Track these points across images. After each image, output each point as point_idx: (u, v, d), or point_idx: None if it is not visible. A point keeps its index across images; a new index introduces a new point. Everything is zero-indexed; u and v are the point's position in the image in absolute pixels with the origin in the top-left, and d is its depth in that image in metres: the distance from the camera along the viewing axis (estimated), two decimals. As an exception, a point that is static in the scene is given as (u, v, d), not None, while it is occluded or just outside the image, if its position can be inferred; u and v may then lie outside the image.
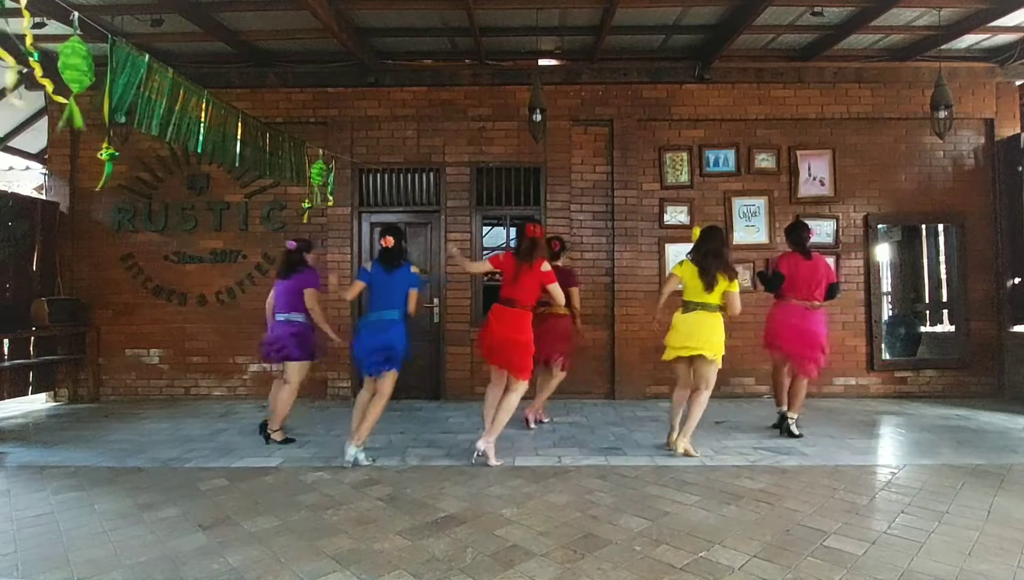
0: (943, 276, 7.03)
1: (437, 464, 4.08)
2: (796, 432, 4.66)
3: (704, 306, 4.16)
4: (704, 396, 4.19)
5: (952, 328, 6.74)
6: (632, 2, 5.31)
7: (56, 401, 6.52)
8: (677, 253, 6.45)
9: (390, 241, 4.15)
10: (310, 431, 5.02)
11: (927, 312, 7.43)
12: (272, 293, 4.75)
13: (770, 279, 4.89)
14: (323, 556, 2.70)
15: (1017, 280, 6.28)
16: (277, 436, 4.60)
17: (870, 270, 6.48)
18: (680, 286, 4.30)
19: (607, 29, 5.68)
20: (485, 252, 6.73)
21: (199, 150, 3.65)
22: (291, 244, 4.76)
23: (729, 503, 3.31)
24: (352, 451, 4.02)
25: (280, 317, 4.60)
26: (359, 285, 4.26)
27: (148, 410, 5.96)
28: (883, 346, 6.51)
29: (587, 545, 2.79)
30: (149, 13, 5.35)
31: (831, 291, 4.79)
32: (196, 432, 5.04)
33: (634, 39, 6.23)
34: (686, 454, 4.15)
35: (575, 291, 5.01)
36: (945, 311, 7.03)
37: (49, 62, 2.62)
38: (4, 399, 5.98)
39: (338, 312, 6.35)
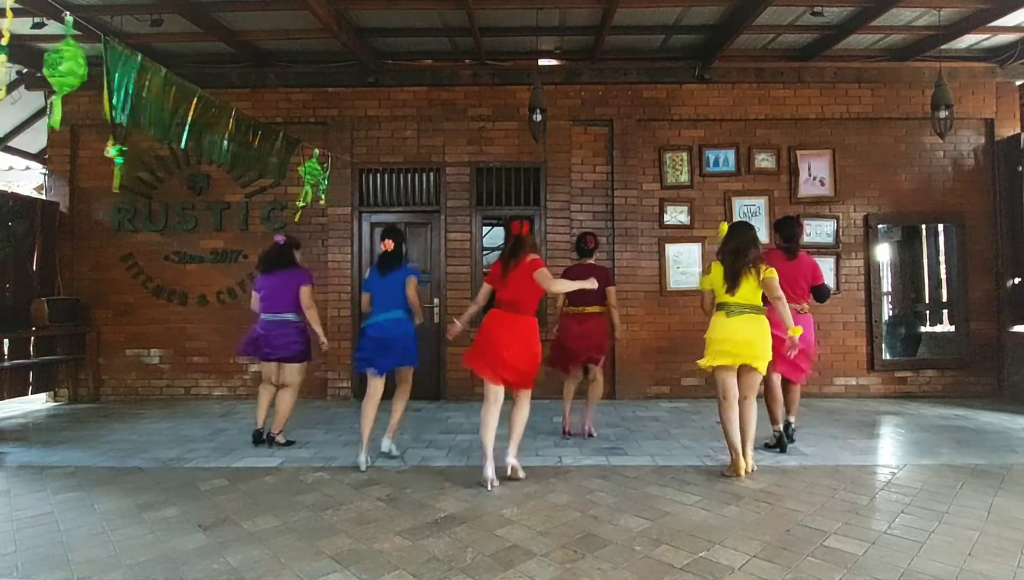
0: (943, 276, 7.02)
1: (437, 464, 4.08)
2: (793, 437, 4.44)
3: (745, 308, 3.74)
4: (755, 405, 3.84)
5: (952, 328, 6.73)
6: (632, 2, 5.31)
7: (56, 401, 6.52)
8: (677, 253, 6.48)
9: (390, 245, 4.13)
10: (310, 431, 5.01)
11: (927, 312, 7.42)
12: (256, 291, 4.58)
13: None
14: (323, 556, 2.70)
15: (1017, 280, 6.28)
16: (281, 439, 4.53)
17: (870, 270, 6.48)
18: (711, 293, 3.92)
19: (607, 29, 5.68)
20: (485, 252, 6.73)
21: (183, 146, 3.67)
22: (280, 239, 4.65)
23: (729, 503, 3.31)
24: (386, 442, 4.20)
25: (268, 317, 4.47)
26: (367, 296, 4.21)
27: (148, 410, 5.96)
28: (883, 346, 6.51)
29: (587, 545, 2.79)
30: (149, 13, 5.35)
31: (817, 294, 4.41)
32: (196, 432, 5.04)
33: (634, 39, 6.23)
34: (750, 472, 3.78)
35: (612, 290, 4.79)
36: (945, 311, 7.03)
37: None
38: (4, 399, 5.98)
39: (338, 312, 6.36)
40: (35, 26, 5.03)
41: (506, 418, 3.70)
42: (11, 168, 8.85)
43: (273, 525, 3.06)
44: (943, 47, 6.08)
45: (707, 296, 3.97)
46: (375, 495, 3.47)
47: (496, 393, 3.66)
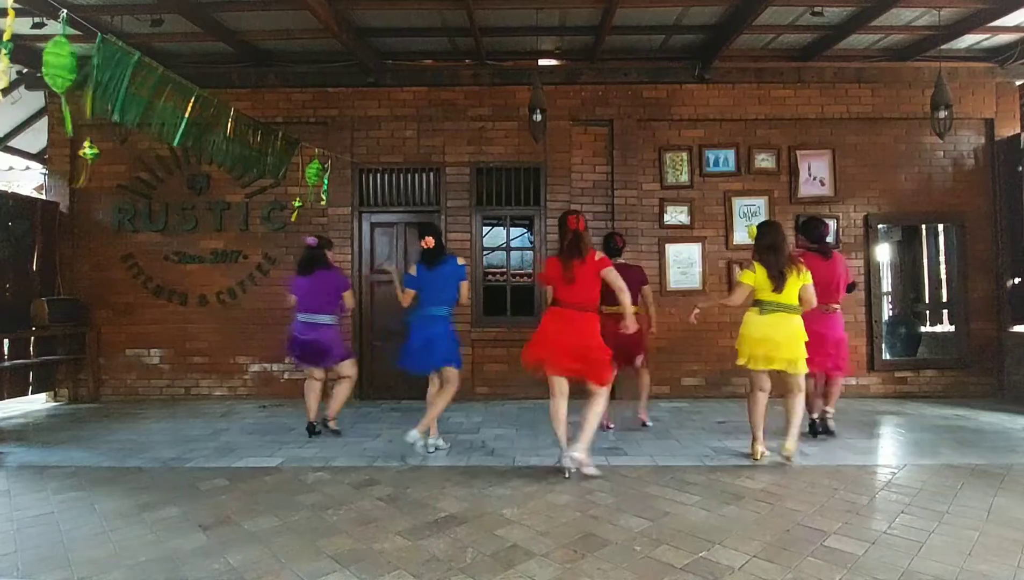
0: (943, 276, 7.03)
1: (437, 464, 4.08)
2: (832, 428, 4.63)
3: (782, 307, 3.87)
4: (801, 399, 3.97)
5: (952, 328, 6.73)
6: (632, 2, 5.31)
7: (56, 401, 6.52)
8: (677, 253, 6.48)
9: (431, 242, 4.27)
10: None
11: (927, 312, 7.43)
12: (292, 293, 4.79)
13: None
14: (323, 556, 2.70)
15: (1017, 280, 6.28)
16: (333, 424, 4.82)
17: (870, 270, 6.47)
18: (750, 292, 3.98)
19: (607, 29, 5.68)
20: (485, 252, 6.73)
21: (176, 144, 3.66)
22: (311, 240, 4.83)
23: (730, 503, 3.31)
24: (413, 434, 4.10)
25: (307, 318, 4.67)
26: (411, 292, 4.30)
27: (148, 410, 5.96)
28: (883, 346, 6.50)
29: (587, 545, 2.79)
30: (149, 13, 5.35)
31: (848, 289, 4.69)
32: (197, 432, 5.04)
33: (634, 39, 6.23)
34: (788, 458, 3.93)
35: (648, 290, 5.02)
36: (945, 311, 7.04)
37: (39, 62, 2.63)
38: (4, 399, 5.98)
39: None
40: (35, 26, 5.03)
41: (576, 411, 3.85)
42: (11, 168, 8.86)
43: (273, 525, 3.06)
44: (943, 47, 6.09)
45: (744, 289, 3.99)
46: (375, 495, 3.47)
47: (561, 385, 3.80)
